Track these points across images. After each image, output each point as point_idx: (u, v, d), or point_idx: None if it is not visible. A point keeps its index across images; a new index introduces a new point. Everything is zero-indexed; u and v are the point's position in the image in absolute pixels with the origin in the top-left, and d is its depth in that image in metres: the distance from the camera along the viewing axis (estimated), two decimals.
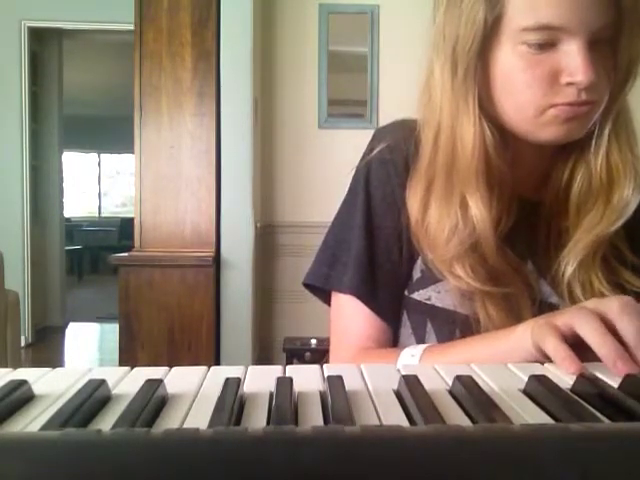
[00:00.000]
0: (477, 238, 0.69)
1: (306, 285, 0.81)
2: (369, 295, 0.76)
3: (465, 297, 0.71)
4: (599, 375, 0.46)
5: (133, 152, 2.79)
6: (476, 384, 0.41)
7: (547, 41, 0.65)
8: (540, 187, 0.76)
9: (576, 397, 0.41)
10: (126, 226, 8.35)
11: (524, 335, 0.57)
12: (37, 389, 0.41)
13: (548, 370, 0.50)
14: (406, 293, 0.77)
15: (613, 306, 0.53)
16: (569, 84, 0.65)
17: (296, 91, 3.27)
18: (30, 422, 0.36)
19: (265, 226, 3.21)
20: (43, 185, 5.11)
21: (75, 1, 4.45)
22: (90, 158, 10.78)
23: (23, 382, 0.40)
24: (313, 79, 3.26)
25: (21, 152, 4.55)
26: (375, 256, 0.76)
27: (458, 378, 0.42)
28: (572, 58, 0.64)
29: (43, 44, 4.97)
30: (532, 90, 0.66)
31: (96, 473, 0.24)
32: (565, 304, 0.72)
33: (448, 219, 0.70)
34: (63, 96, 5.30)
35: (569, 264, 0.72)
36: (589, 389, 0.41)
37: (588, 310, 0.53)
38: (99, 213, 11.06)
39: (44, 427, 0.33)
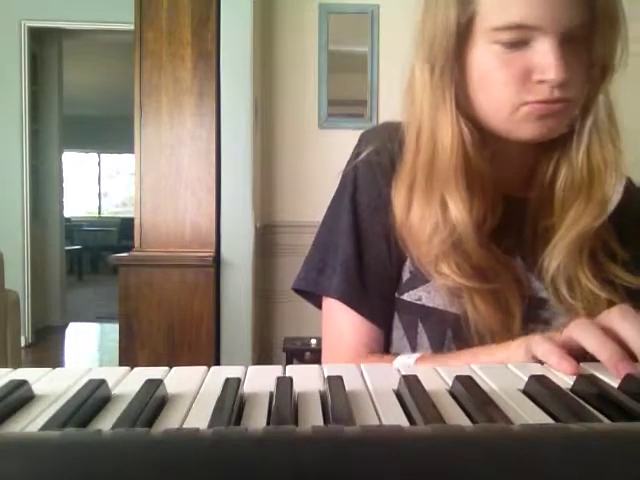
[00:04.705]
0: (458, 237, 0.70)
1: (296, 290, 0.81)
2: (358, 299, 0.76)
3: (455, 296, 0.71)
4: (599, 375, 0.46)
5: (133, 152, 2.79)
6: (476, 384, 0.41)
7: (519, 40, 0.65)
8: (526, 184, 0.76)
9: (576, 397, 0.41)
10: (126, 226, 8.36)
11: (518, 350, 0.57)
12: (37, 389, 0.41)
13: (548, 370, 0.50)
14: (396, 295, 0.76)
15: (613, 314, 0.53)
16: (541, 82, 0.65)
17: (296, 91, 3.27)
18: (30, 422, 0.36)
19: (265, 226, 3.21)
20: (43, 185, 5.12)
21: (75, 1, 4.45)
22: (90, 158, 10.79)
23: (23, 382, 0.40)
24: (313, 79, 3.26)
25: (21, 152, 4.55)
26: (363, 260, 0.76)
27: (458, 378, 0.42)
28: (544, 56, 0.64)
29: (43, 44, 4.98)
30: (506, 88, 0.67)
31: (96, 473, 0.24)
32: (555, 299, 0.72)
33: (429, 219, 0.71)
34: (63, 96, 5.30)
35: (552, 261, 0.72)
36: (589, 389, 0.41)
37: (585, 320, 0.54)
38: (99, 213, 11.07)
39: (44, 427, 0.33)
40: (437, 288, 0.73)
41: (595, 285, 0.71)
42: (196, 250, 2.77)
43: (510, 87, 0.67)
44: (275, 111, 3.27)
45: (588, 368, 0.49)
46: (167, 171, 2.79)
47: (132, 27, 2.76)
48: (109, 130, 9.53)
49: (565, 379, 0.47)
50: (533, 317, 0.73)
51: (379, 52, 3.24)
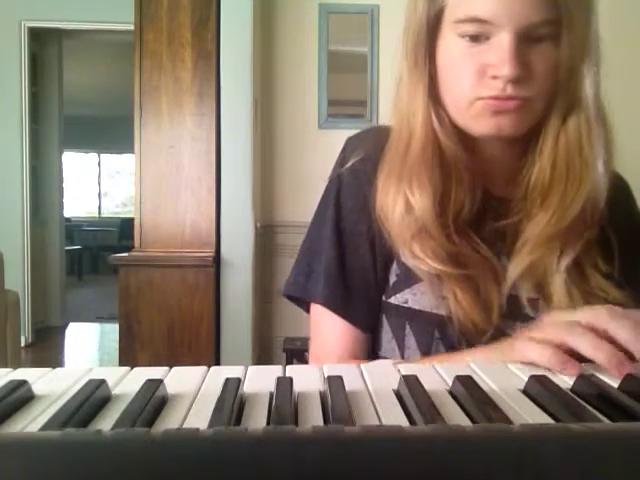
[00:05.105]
0: (423, 223, 0.70)
1: (286, 295, 0.82)
2: (341, 305, 0.76)
3: (440, 297, 0.72)
4: (599, 375, 0.46)
5: (133, 152, 2.79)
6: (476, 384, 0.41)
7: (480, 34, 0.66)
8: (510, 183, 0.76)
9: (576, 397, 0.41)
10: (126, 226, 8.36)
11: (509, 349, 0.56)
12: (37, 389, 0.41)
13: (547, 370, 0.49)
14: (384, 298, 0.77)
15: (603, 317, 0.52)
16: (495, 77, 0.66)
17: (296, 91, 3.27)
18: (30, 422, 0.36)
19: (265, 226, 3.21)
20: (43, 185, 5.11)
21: (75, 1, 4.45)
22: (90, 158, 10.78)
23: (23, 382, 0.40)
24: (313, 79, 3.26)
25: (21, 152, 4.55)
26: (346, 264, 0.77)
27: (458, 378, 0.42)
28: (499, 51, 0.65)
29: (43, 44, 4.97)
30: (463, 82, 0.68)
31: (96, 473, 0.24)
32: (540, 298, 0.72)
33: (398, 204, 0.72)
34: (63, 96, 5.30)
35: (517, 266, 0.71)
36: (589, 389, 0.41)
37: (575, 322, 0.53)
38: (99, 213, 11.06)
39: (44, 427, 0.33)
40: (423, 290, 0.73)
41: (564, 296, 0.70)
42: (196, 250, 2.77)
43: (467, 81, 0.67)
44: (275, 111, 3.27)
45: (588, 368, 0.49)
46: (167, 171, 2.78)
47: (132, 27, 2.76)
48: (109, 130, 9.53)
49: (565, 379, 0.47)
50: (518, 315, 0.72)
51: (379, 52, 3.24)
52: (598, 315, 0.53)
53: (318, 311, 0.78)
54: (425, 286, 0.72)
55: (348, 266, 0.77)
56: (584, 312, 0.55)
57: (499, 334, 0.71)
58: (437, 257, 0.70)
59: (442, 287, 0.71)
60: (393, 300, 0.75)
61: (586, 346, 0.50)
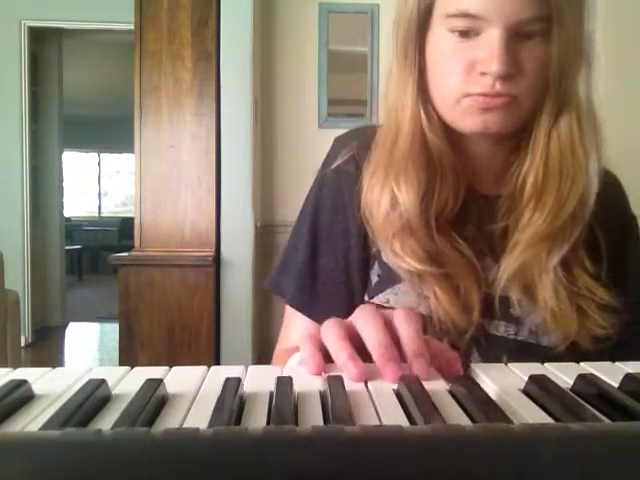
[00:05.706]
0: (407, 219, 0.70)
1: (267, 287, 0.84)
2: (307, 305, 0.78)
3: (421, 297, 0.71)
4: (599, 375, 0.46)
5: (133, 152, 2.79)
6: (476, 384, 0.41)
7: (470, 29, 0.65)
8: (498, 182, 0.75)
9: (576, 397, 0.41)
10: (126, 226, 8.36)
11: None
12: (37, 389, 0.41)
13: (548, 370, 0.49)
14: (366, 298, 0.77)
15: (398, 314, 0.50)
16: (483, 74, 0.65)
17: (296, 91, 3.27)
18: (30, 422, 0.36)
19: (265, 226, 3.20)
20: (43, 185, 5.12)
21: (75, 1, 4.45)
22: (90, 158, 10.79)
23: (23, 382, 0.40)
24: (313, 79, 3.26)
25: (21, 152, 4.55)
26: (317, 266, 0.77)
27: (458, 378, 0.42)
28: (488, 47, 0.64)
29: (43, 44, 4.98)
30: (451, 78, 0.67)
31: (96, 473, 0.24)
32: (525, 299, 0.71)
33: (383, 200, 0.71)
34: (63, 96, 5.30)
35: (507, 267, 0.70)
36: (589, 389, 0.41)
37: (374, 312, 0.50)
38: (99, 213, 11.07)
39: (44, 427, 0.33)
40: (404, 290, 0.73)
41: (550, 297, 0.69)
42: (196, 250, 2.77)
43: (455, 77, 0.67)
44: (275, 111, 3.27)
45: (589, 368, 0.49)
46: (167, 171, 2.79)
47: (132, 27, 2.76)
48: (109, 130, 9.54)
49: (565, 379, 0.47)
50: (504, 316, 0.72)
51: (379, 52, 3.24)
52: (396, 314, 0.50)
53: (287, 307, 0.81)
54: (406, 286, 0.72)
55: (319, 266, 0.77)
56: (392, 312, 0.51)
57: (483, 334, 0.71)
58: (417, 256, 0.69)
59: (422, 286, 0.71)
60: (375, 300, 0.75)
61: (370, 336, 0.47)
